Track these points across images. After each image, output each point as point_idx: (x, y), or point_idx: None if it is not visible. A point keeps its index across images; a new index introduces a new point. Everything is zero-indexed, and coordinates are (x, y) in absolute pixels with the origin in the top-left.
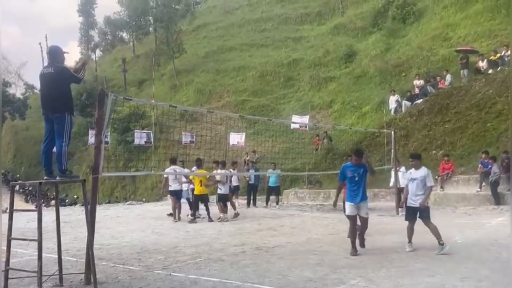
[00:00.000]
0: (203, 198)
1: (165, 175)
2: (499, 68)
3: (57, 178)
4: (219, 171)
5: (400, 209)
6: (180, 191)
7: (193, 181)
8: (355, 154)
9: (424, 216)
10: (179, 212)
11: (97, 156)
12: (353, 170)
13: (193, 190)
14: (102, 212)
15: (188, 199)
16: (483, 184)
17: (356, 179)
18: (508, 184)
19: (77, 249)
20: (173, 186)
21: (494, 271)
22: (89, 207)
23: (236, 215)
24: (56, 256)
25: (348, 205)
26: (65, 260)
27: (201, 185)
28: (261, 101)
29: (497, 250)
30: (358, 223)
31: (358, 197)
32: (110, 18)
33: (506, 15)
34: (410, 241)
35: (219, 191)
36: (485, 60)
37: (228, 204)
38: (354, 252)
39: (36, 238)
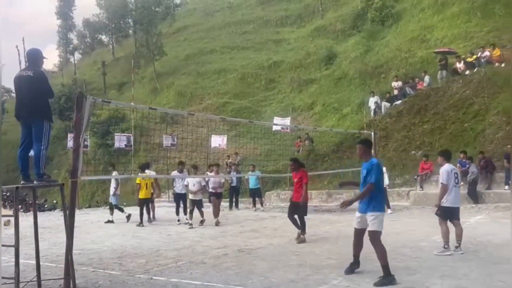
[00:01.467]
0: (148, 202)
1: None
2: (476, 69)
3: (35, 182)
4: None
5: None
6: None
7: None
8: (362, 143)
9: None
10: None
11: (75, 160)
12: (362, 167)
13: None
14: (83, 216)
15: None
16: (462, 183)
17: (361, 181)
18: (486, 183)
19: (56, 254)
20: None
21: (472, 269)
22: (67, 211)
23: (202, 221)
24: (34, 262)
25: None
26: (44, 266)
27: (146, 188)
28: (242, 104)
29: (476, 248)
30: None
31: (364, 204)
32: (89, 20)
33: (481, 17)
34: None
35: (190, 196)
36: (462, 62)
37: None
38: (348, 270)
39: (13, 244)
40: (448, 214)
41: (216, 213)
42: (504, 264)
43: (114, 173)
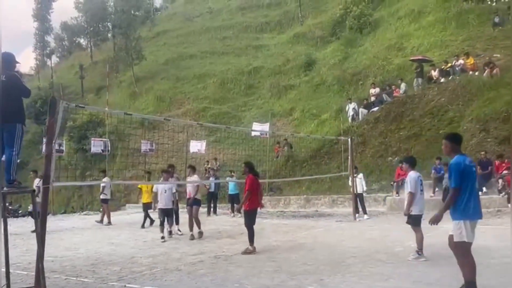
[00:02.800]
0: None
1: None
2: (451, 77)
3: (4, 188)
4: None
5: (357, 215)
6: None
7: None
8: (447, 139)
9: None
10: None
11: (47, 166)
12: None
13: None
14: (57, 223)
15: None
16: (437, 189)
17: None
18: None
19: (28, 261)
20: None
21: (445, 275)
22: (39, 218)
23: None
24: (4, 270)
25: None
26: (15, 274)
27: (147, 193)
28: (222, 109)
29: (449, 253)
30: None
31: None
32: (67, 23)
33: (456, 26)
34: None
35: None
36: (437, 70)
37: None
38: None
39: None
40: (418, 222)
41: (190, 225)
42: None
43: (105, 179)
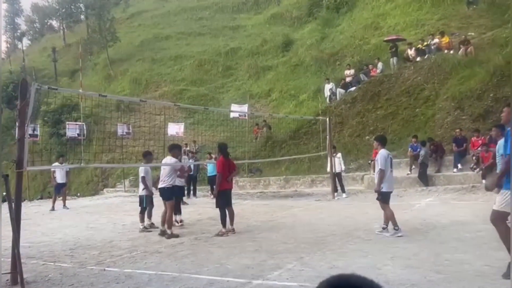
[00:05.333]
0: None
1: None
2: (426, 56)
3: None
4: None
5: (335, 193)
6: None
7: None
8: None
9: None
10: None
11: (20, 150)
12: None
13: None
14: (34, 208)
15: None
16: (413, 167)
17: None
18: (436, 166)
19: (4, 248)
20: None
21: (421, 250)
22: (13, 203)
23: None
24: None
25: None
26: None
27: None
28: (200, 91)
29: (425, 229)
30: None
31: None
32: (38, 5)
33: (431, 5)
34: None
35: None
36: (413, 49)
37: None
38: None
39: None
40: (387, 198)
41: (163, 218)
42: (450, 243)
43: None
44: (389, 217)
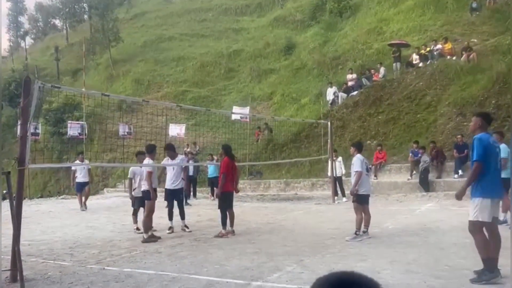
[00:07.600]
0: None
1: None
2: (429, 61)
3: None
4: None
5: (335, 197)
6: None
7: None
8: (479, 116)
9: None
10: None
11: (22, 147)
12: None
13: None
14: (34, 207)
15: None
16: (414, 172)
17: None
18: (437, 172)
19: (4, 245)
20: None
21: (421, 255)
22: (14, 201)
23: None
24: None
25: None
26: None
27: None
28: (201, 92)
29: (425, 234)
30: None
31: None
32: (41, 4)
33: (434, 11)
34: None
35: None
36: (417, 54)
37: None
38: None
39: None
40: (363, 201)
41: (145, 223)
42: (450, 248)
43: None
44: (358, 221)
